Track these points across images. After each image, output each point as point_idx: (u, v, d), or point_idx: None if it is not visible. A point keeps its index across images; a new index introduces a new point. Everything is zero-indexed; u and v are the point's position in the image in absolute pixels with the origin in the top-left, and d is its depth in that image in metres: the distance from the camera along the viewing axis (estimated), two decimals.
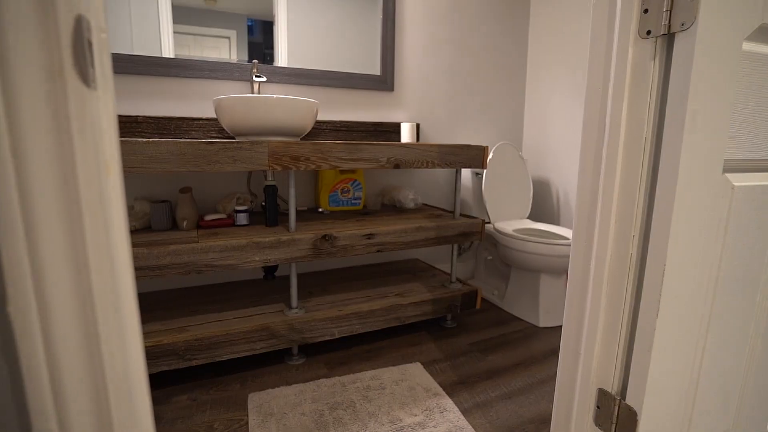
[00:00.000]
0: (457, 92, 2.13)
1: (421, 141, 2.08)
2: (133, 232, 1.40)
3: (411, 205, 1.91)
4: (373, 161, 1.42)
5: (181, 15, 1.54)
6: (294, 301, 1.45)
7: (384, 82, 1.91)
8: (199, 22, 1.55)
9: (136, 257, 1.16)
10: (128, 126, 1.52)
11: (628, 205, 0.68)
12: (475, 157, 1.62)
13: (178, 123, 1.59)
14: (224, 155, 1.21)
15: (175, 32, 1.54)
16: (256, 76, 1.58)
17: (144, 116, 1.54)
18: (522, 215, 2.13)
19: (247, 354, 1.34)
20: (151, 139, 1.13)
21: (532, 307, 1.84)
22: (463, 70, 2.12)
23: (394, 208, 1.92)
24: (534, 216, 2.36)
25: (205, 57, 1.62)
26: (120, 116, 1.51)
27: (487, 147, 1.64)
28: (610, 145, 0.69)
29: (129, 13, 1.49)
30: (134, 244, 1.21)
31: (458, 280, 1.80)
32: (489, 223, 2.08)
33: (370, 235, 1.45)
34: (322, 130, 1.81)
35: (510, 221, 2.07)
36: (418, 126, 2.02)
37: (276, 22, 1.69)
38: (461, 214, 1.77)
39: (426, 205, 2.04)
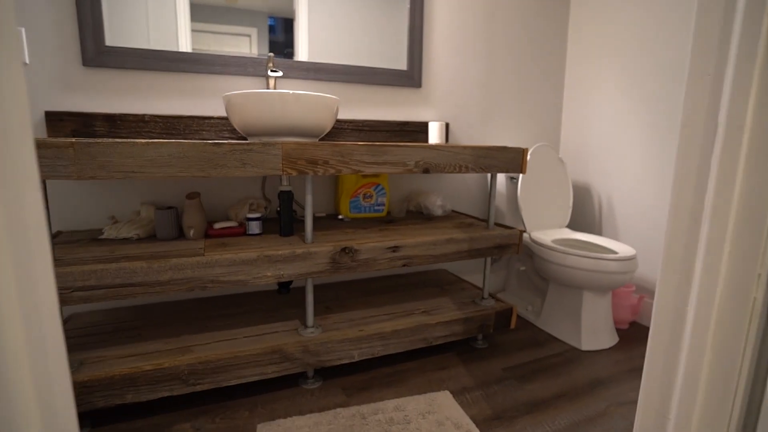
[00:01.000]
0: (490, 89, 1.95)
1: (451, 142, 1.92)
2: (137, 241, 1.28)
3: (439, 212, 1.75)
4: (400, 165, 1.26)
5: (200, 12, 1.44)
6: (310, 320, 1.31)
7: (411, 77, 1.75)
8: (219, 19, 1.46)
9: (134, 272, 1.03)
10: (135, 125, 1.41)
11: (751, 232, 0.50)
12: (513, 160, 1.45)
13: (188, 122, 1.47)
14: (232, 158, 1.08)
15: (194, 30, 1.45)
16: (272, 71, 1.44)
17: (151, 115, 1.42)
18: (560, 224, 1.94)
19: (257, 378, 1.21)
20: (150, 141, 1.00)
21: (573, 328, 1.65)
22: (496, 64, 1.94)
23: (420, 216, 1.76)
24: (574, 225, 2.16)
25: (217, 50, 1.49)
26: (126, 115, 1.40)
27: (527, 149, 1.46)
28: (727, 151, 0.51)
29: (146, 10, 1.38)
30: (133, 257, 1.09)
31: (491, 295, 1.63)
32: (524, 231, 1.90)
33: (394, 248, 1.30)
34: (342, 130, 1.67)
35: (548, 230, 1.88)
36: (447, 125, 1.85)
37: (296, 18, 1.56)
38: (495, 224, 1.60)
39: (455, 212, 1.87)
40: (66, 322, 1.36)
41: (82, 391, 1.04)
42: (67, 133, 1.36)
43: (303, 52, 1.59)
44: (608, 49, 1.90)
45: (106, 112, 1.40)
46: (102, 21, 1.35)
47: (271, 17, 1.52)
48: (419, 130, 1.80)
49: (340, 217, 1.63)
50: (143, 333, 1.30)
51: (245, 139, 1.48)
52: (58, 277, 0.98)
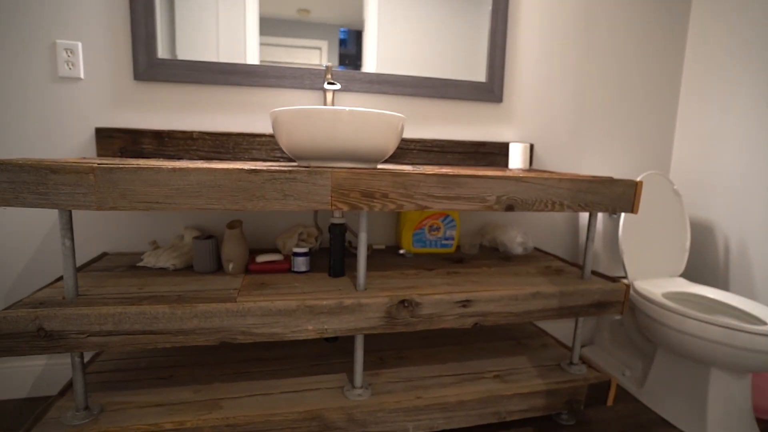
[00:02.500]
0: (584, 104, 1.64)
1: (535, 166, 1.62)
2: (173, 272, 1.15)
3: (519, 250, 1.46)
4: (477, 201, 1.01)
5: (272, 26, 1.35)
6: (358, 380, 1.09)
7: (490, 91, 1.50)
8: (289, 33, 1.36)
9: (155, 318, 0.88)
10: (182, 143, 1.30)
11: None
12: (623, 196, 1.14)
13: (238, 140, 1.33)
14: (272, 189, 0.90)
15: (266, 44, 1.35)
16: (329, 83, 1.27)
17: (200, 132, 1.30)
18: (673, 272, 1.56)
19: None
20: (177, 166, 0.85)
21: (694, 413, 1.28)
22: (593, 74, 1.62)
23: (495, 253, 1.48)
24: (691, 274, 1.75)
25: (272, 62, 1.35)
26: (174, 131, 1.29)
27: (641, 183, 1.14)
28: None
29: (216, 24, 1.28)
30: (160, 297, 0.94)
31: (582, 360, 1.31)
32: (624, 277, 1.55)
33: (465, 302, 1.04)
34: (408, 150, 1.45)
35: (656, 280, 1.52)
36: (531, 147, 1.57)
37: (365, 28, 1.39)
38: (592, 272, 1.28)
39: (538, 250, 1.57)
40: (100, 353, 1.26)
41: None
42: (116, 151, 1.27)
43: (371, 63, 1.41)
44: (742, 52, 1.51)
45: (154, 128, 1.30)
46: (155, 33, 1.25)
47: (342, 29, 1.38)
48: (498, 152, 1.53)
49: (401, 251, 1.41)
50: (175, 374, 1.16)
51: (293, 161, 1.31)
52: (73, 319, 0.85)
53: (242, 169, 0.88)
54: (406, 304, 1.01)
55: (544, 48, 1.56)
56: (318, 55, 1.40)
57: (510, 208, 1.03)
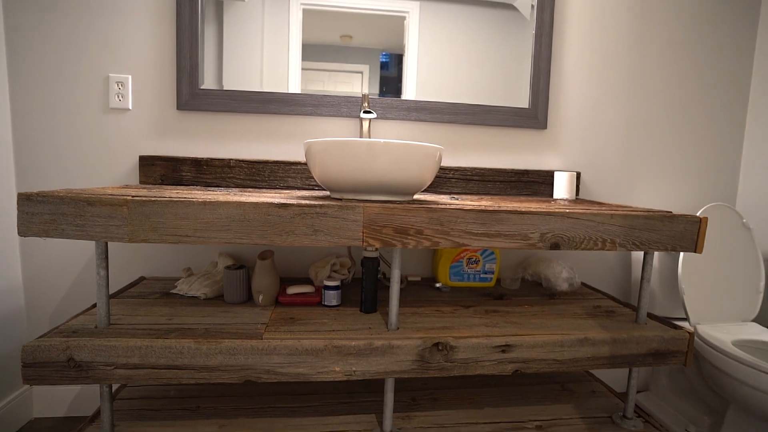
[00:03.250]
0: (637, 129, 1.53)
1: (582, 196, 1.52)
2: (204, 301, 1.14)
3: (564, 286, 1.35)
4: (519, 239, 0.94)
5: (316, 52, 1.37)
6: (387, 425, 1.02)
7: (533, 117, 1.42)
8: (333, 58, 1.38)
9: (179, 352, 0.87)
10: (220, 171, 1.31)
11: None
12: (684, 234, 1.02)
13: (274, 168, 1.33)
14: (301, 224, 0.87)
15: (309, 69, 1.37)
16: (365, 112, 1.24)
17: (237, 159, 1.31)
18: (744, 316, 1.40)
19: None
20: (207, 200, 0.84)
21: None
22: (646, 99, 1.52)
23: (538, 288, 1.38)
24: (765, 318, 1.56)
25: (314, 90, 1.35)
26: (212, 159, 1.31)
27: (705, 219, 1.02)
28: None
29: (261, 53, 1.31)
30: (185, 331, 0.93)
31: (638, 414, 1.17)
32: (685, 319, 1.41)
33: (504, 347, 0.96)
34: (447, 179, 1.40)
35: (724, 325, 1.36)
36: (578, 176, 1.47)
37: (405, 53, 1.37)
38: (649, 315, 1.16)
39: (585, 286, 1.45)
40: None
41: None
42: (157, 178, 1.30)
43: (410, 89, 1.40)
44: None
45: (194, 156, 1.33)
46: (198, 65, 1.28)
47: (383, 53, 1.38)
48: (542, 180, 1.45)
49: (437, 285, 1.34)
50: (202, 405, 1.14)
51: (328, 192, 1.29)
52: (101, 350, 0.85)
53: (271, 203, 0.86)
54: (440, 348, 0.94)
55: (593, 71, 1.47)
56: (360, 78, 1.40)
57: (555, 246, 0.95)
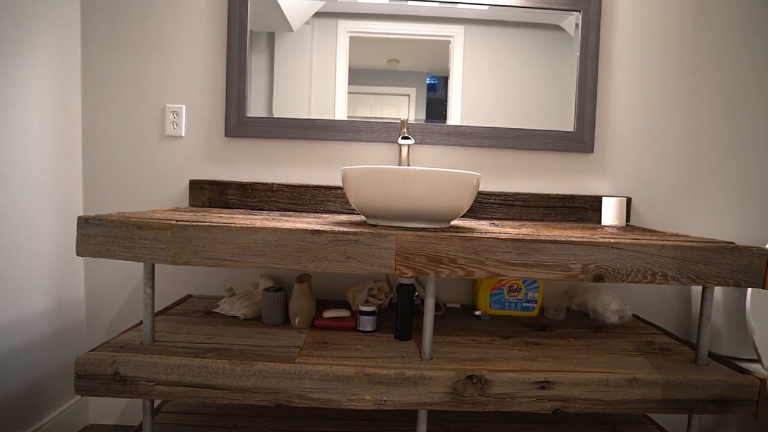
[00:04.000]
0: (695, 152, 1.42)
1: (633, 222, 1.43)
2: (243, 321, 1.18)
3: (613, 318, 1.27)
4: (559, 270, 0.89)
5: (363, 77, 1.42)
6: None
7: (579, 141, 1.37)
8: (381, 81, 1.42)
9: (215, 372, 0.89)
10: (263, 195, 1.36)
11: None
12: (749, 269, 0.93)
13: (315, 192, 1.36)
14: (334, 250, 0.88)
15: (357, 93, 1.42)
16: (403, 138, 1.25)
17: (279, 184, 1.36)
18: None
19: None
20: (244, 225, 0.87)
21: None
22: (705, 119, 1.42)
23: (585, 319, 1.31)
24: None
25: (357, 114, 1.39)
26: (256, 183, 1.36)
27: None
28: None
29: (309, 78, 1.37)
30: (222, 351, 0.95)
31: None
32: (755, 360, 1.27)
33: (544, 384, 0.91)
34: (488, 204, 1.37)
35: None
36: (629, 201, 1.39)
37: (450, 76, 1.40)
38: (710, 354, 1.06)
39: (638, 318, 1.35)
40: None
41: None
42: (205, 201, 1.37)
43: (455, 112, 1.41)
44: None
45: (239, 180, 1.39)
46: (246, 93, 1.36)
47: (430, 76, 1.40)
48: (588, 206, 1.38)
49: (476, 312, 1.30)
50: (238, 424, 1.16)
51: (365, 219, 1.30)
52: (144, 366, 0.89)
53: (305, 229, 0.87)
54: (474, 381, 0.90)
55: (644, 91, 1.40)
56: (407, 101, 1.42)
57: (599, 278, 0.90)
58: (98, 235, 0.89)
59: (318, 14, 1.39)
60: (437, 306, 1.38)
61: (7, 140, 1.13)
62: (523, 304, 1.31)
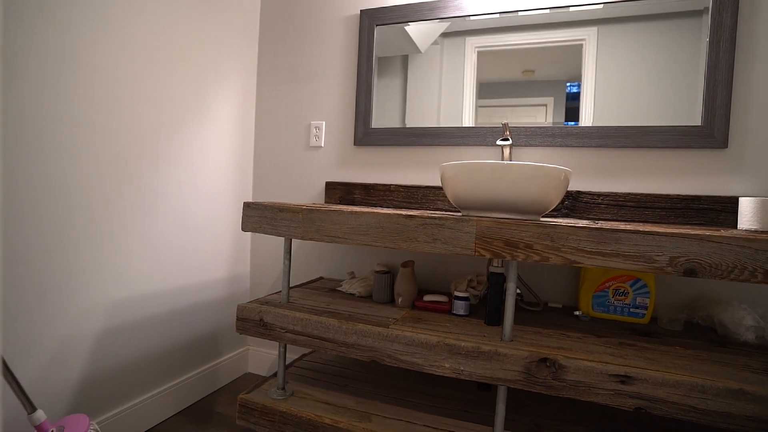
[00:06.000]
0: None
1: None
2: (357, 298, 1.40)
3: (748, 336, 1.12)
4: (642, 261, 0.88)
5: (497, 90, 1.49)
6: None
7: (708, 135, 1.25)
8: (516, 93, 1.48)
9: (326, 327, 1.12)
10: (382, 194, 1.59)
11: None
12: None
13: (425, 192, 1.53)
14: (423, 232, 1.03)
15: (482, 106, 1.51)
16: (502, 140, 1.33)
17: (396, 185, 1.57)
18: None
19: None
20: (354, 210, 1.09)
21: None
22: None
23: (710, 333, 1.18)
24: None
25: (489, 123, 1.50)
26: (377, 184, 1.59)
27: None
28: None
29: (439, 92, 1.56)
30: (334, 314, 1.18)
31: None
32: None
33: (624, 378, 0.89)
34: (594, 205, 1.35)
35: None
36: None
37: (583, 80, 1.40)
38: None
39: None
40: (314, 351, 1.61)
41: (280, 419, 1.19)
42: (336, 199, 1.66)
43: (588, 115, 1.39)
44: None
45: (363, 182, 1.64)
46: (371, 109, 1.61)
47: (569, 84, 1.43)
48: (720, 208, 1.24)
49: (576, 313, 1.29)
50: (349, 384, 1.38)
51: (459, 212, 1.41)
52: (279, 317, 1.17)
53: (400, 214, 1.05)
54: (548, 364, 0.94)
55: None
56: (544, 111, 1.45)
57: (691, 272, 0.85)
58: (254, 216, 1.21)
59: (446, 34, 1.54)
60: (535, 303, 1.40)
61: (206, 150, 1.58)
62: (631, 310, 1.24)
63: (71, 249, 1.16)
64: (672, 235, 0.86)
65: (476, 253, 0.99)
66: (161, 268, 1.43)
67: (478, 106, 1.51)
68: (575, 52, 1.40)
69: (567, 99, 1.41)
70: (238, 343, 1.83)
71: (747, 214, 1.17)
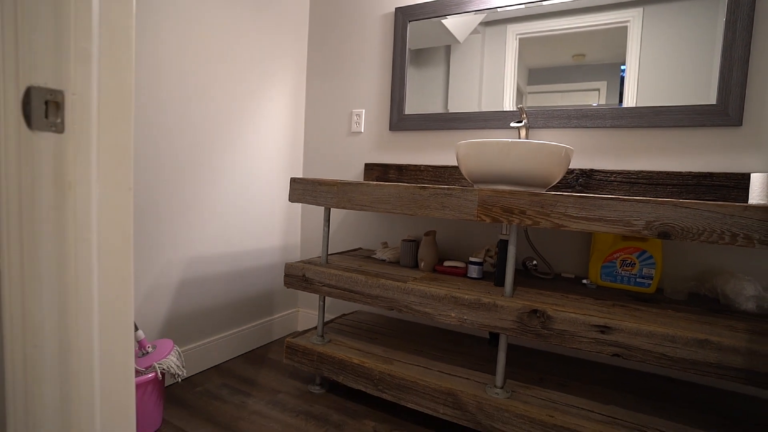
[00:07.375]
0: None
1: None
2: (387, 263, 1.60)
3: (748, 305, 1.17)
4: (621, 225, 0.99)
5: (549, 75, 1.54)
6: (498, 380, 1.21)
7: (722, 113, 1.29)
8: (569, 78, 1.51)
9: (355, 282, 1.33)
10: (414, 173, 1.77)
11: None
12: None
13: (452, 171, 1.69)
14: (434, 201, 1.20)
15: (538, 92, 1.56)
16: (516, 122, 1.46)
17: (426, 165, 1.74)
18: None
19: (428, 412, 1.24)
20: (379, 183, 1.28)
21: None
22: None
23: (712, 303, 1.24)
24: None
25: (538, 106, 1.56)
26: (409, 165, 1.78)
27: None
28: None
29: (480, 79, 1.66)
30: (362, 272, 1.39)
31: None
32: None
33: (603, 328, 1.02)
34: (606, 182, 1.43)
35: None
36: None
37: (627, 61, 1.44)
38: None
39: None
40: (353, 312, 1.85)
41: (318, 358, 1.43)
42: (373, 178, 1.87)
43: (631, 96, 1.43)
44: None
45: (397, 163, 1.83)
46: (404, 96, 1.79)
47: (623, 66, 1.44)
48: (733, 185, 1.28)
49: (584, 281, 1.40)
50: (378, 338, 1.59)
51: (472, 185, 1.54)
52: (317, 273, 1.41)
53: (416, 186, 1.23)
54: (538, 315, 1.09)
55: None
56: (596, 96, 1.48)
57: (665, 235, 0.95)
58: (299, 188, 1.45)
59: (486, 23, 1.63)
60: (547, 272, 1.52)
61: (264, 135, 1.85)
62: (637, 280, 1.33)
63: (160, 215, 1.47)
64: (648, 201, 0.97)
65: (478, 218, 1.15)
66: (227, 234, 1.73)
67: (527, 93, 1.56)
68: (621, 34, 1.43)
69: (621, 82, 1.42)
70: (290, 305, 2.11)
71: (757, 190, 1.21)
